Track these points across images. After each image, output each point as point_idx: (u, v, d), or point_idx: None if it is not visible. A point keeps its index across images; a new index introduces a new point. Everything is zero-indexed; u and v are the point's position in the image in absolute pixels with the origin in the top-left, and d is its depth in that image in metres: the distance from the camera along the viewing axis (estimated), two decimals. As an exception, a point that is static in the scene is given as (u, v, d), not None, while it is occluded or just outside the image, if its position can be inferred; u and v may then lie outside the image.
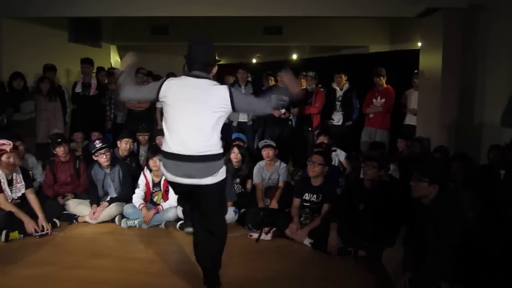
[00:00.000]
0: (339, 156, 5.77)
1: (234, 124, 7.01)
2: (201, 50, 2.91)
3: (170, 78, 2.95)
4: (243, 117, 7.00)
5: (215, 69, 2.99)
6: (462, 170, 4.21)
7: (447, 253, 2.81)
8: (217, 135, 2.88)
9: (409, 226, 3.88)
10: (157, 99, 2.90)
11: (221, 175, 2.90)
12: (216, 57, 3.01)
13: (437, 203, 2.97)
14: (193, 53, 2.88)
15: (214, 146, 2.85)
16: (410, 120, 6.58)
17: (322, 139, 5.74)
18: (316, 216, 4.42)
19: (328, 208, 4.39)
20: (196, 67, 2.88)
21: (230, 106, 2.85)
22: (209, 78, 2.89)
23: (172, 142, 2.84)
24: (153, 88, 2.91)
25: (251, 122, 7.03)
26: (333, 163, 5.40)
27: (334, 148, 5.80)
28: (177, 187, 3.02)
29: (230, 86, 2.93)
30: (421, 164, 3.22)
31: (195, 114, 2.80)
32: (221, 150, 2.91)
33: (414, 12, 5.97)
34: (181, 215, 4.76)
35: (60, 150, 5.16)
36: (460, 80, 5.61)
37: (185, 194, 3.09)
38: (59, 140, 5.22)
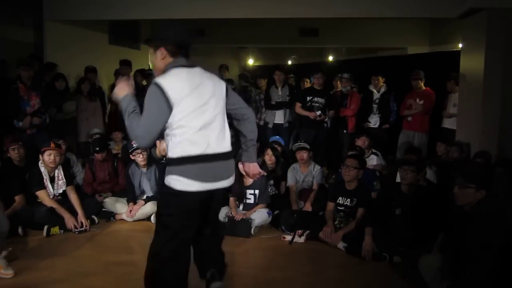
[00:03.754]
0: (371, 160, 5.66)
1: (270, 126, 7.01)
2: (182, 31, 2.45)
3: (161, 80, 2.35)
4: (279, 119, 6.99)
5: None
6: (506, 177, 4.05)
7: (489, 261, 2.71)
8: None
9: (447, 232, 3.78)
10: (171, 109, 2.34)
11: None
12: None
13: (480, 209, 2.86)
14: (176, 33, 2.43)
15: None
16: (448, 123, 6.39)
17: (363, 140, 5.68)
18: (351, 220, 4.36)
19: (363, 212, 4.32)
20: (185, 52, 2.46)
21: (224, 98, 2.56)
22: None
23: (198, 142, 2.41)
24: (161, 106, 2.31)
25: (287, 124, 7.01)
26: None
27: (376, 151, 5.74)
28: (194, 204, 2.45)
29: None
30: (463, 170, 3.08)
31: (214, 108, 2.47)
32: None
33: (456, 13, 5.80)
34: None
35: (98, 156, 5.33)
36: (503, 82, 5.41)
37: (198, 212, 2.51)
38: (97, 149, 5.35)
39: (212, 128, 2.48)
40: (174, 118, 2.36)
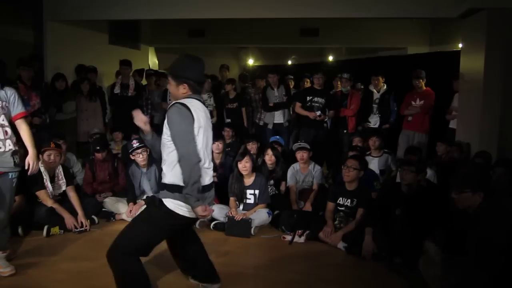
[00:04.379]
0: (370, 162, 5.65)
1: (270, 126, 7.01)
2: (201, 69, 2.77)
3: (187, 103, 2.63)
4: (278, 119, 7.00)
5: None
6: (506, 176, 4.05)
7: (491, 262, 2.71)
8: None
9: (447, 232, 3.77)
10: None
11: None
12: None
13: (481, 210, 2.86)
14: (197, 73, 2.74)
15: None
16: (453, 123, 6.37)
17: (373, 140, 5.68)
18: (351, 220, 4.37)
19: (363, 212, 4.32)
20: (201, 89, 2.80)
21: None
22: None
23: (206, 173, 2.74)
24: (190, 123, 2.59)
25: (287, 124, 7.01)
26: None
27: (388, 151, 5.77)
28: (188, 224, 2.87)
29: None
30: (458, 175, 3.09)
31: (210, 140, 2.81)
32: None
33: (455, 13, 5.80)
34: (214, 214, 4.81)
35: (98, 155, 5.33)
36: (503, 82, 5.40)
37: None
38: (98, 148, 5.36)
39: (207, 161, 2.77)
40: None
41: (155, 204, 2.69)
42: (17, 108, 3.45)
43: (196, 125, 2.60)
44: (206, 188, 2.75)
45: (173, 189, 2.62)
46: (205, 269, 3.13)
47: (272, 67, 10.16)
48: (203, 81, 2.78)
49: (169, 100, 6.93)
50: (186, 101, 2.63)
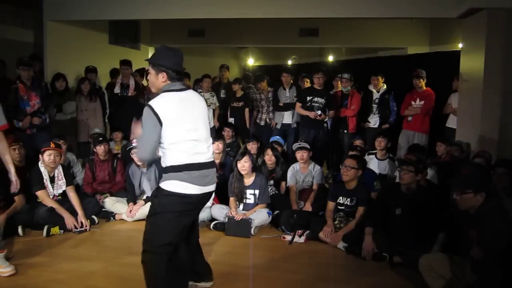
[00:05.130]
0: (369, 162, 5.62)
1: (278, 126, 7.03)
2: (178, 59, 2.87)
3: (156, 100, 2.76)
4: (287, 119, 7.02)
5: None
6: (506, 177, 4.04)
7: (492, 262, 2.71)
8: None
9: (448, 232, 3.78)
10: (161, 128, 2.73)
11: None
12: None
13: (482, 211, 2.85)
14: (174, 62, 2.84)
15: None
16: (451, 123, 6.38)
17: (379, 141, 5.59)
18: (351, 219, 4.37)
19: (363, 212, 4.32)
20: (180, 78, 2.89)
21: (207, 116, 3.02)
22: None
23: (195, 152, 2.81)
24: (154, 122, 2.71)
25: (295, 125, 7.01)
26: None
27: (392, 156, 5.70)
28: (193, 205, 2.87)
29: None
30: (459, 176, 3.07)
31: (203, 125, 2.91)
32: None
33: (456, 13, 5.80)
34: (214, 214, 4.81)
35: (100, 149, 5.34)
36: (503, 82, 5.40)
37: (192, 213, 2.97)
38: (101, 139, 5.39)
39: (203, 141, 2.87)
40: (168, 136, 2.74)
41: (154, 195, 2.84)
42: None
43: (167, 120, 2.70)
44: (203, 165, 2.83)
45: (167, 170, 2.78)
46: (201, 268, 3.20)
47: (272, 68, 10.16)
48: (181, 71, 2.88)
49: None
50: (158, 98, 2.78)
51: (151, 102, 2.77)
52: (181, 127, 2.76)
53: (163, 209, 2.76)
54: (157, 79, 2.84)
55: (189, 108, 2.82)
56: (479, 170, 3.16)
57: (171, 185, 2.75)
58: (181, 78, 2.90)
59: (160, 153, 2.86)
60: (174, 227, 2.78)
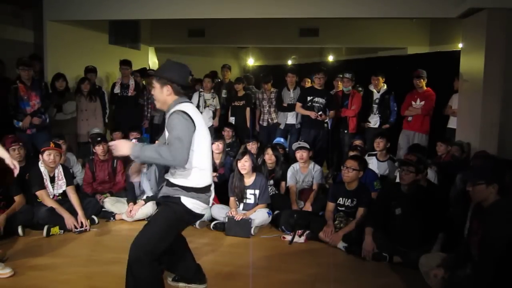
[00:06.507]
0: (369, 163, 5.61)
1: (281, 126, 7.03)
2: (185, 73, 2.85)
3: (184, 107, 2.74)
4: (291, 120, 7.01)
5: None
6: (507, 177, 4.03)
7: (488, 259, 2.70)
8: None
9: (447, 232, 3.78)
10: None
11: None
12: None
13: (495, 209, 2.82)
14: (180, 76, 2.80)
15: None
16: (453, 123, 6.37)
17: (378, 142, 5.60)
18: (351, 219, 4.37)
19: (364, 212, 4.32)
20: (186, 92, 2.88)
21: None
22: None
23: (208, 174, 2.86)
24: (190, 128, 2.67)
25: (299, 125, 7.00)
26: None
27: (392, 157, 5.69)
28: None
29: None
30: (472, 168, 3.07)
31: (209, 143, 2.91)
32: None
33: (456, 13, 5.79)
34: (214, 214, 4.81)
35: (99, 149, 5.34)
36: (504, 82, 5.40)
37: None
38: (99, 139, 5.39)
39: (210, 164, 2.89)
40: (198, 146, 2.71)
41: (174, 202, 2.76)
42: None
43: (198, 131, 2.70)
44: (206, 189, 2.83)
45: (189, 190, 2.75)
46: (192, 269, 3.20)
47: (272, 68, 10.15)
48: (187, 86, 2.83)
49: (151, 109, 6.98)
50: (183, 107, 2.71)
51: (178, 107, 2.70)
52: (205, 146, 2.79)
53: (174, 219, 2.78)
54: (161, 92, 2.77)
55: (204, 127, 2.81)
56: (491, 161, 3.12)
57: (191, 203, 2.76)
58: (188, 94, 2.88)
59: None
60: (168, 239, 2.80)
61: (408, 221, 3.89)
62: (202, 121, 2.82)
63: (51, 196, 4.67)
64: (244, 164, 4.75)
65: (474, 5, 5.41)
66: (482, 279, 2.72)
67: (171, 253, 3.05)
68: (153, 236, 2.73)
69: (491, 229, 2.75)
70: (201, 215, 2.89)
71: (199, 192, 2.78)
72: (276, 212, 4.85)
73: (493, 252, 2.71)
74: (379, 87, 6.79)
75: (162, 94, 2.77)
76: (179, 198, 2.74)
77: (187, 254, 3.20)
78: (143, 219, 4.93)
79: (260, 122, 7.30)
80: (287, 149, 6.18)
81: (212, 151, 4.68)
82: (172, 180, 2.78)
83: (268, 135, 7.08)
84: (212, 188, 2.92)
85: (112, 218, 5.01)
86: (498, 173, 2.94)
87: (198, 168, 2.76)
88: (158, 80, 2.78)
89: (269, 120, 7.17)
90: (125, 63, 7.09)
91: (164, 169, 2.97)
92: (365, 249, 3.96)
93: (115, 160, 5.48)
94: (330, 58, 11.83)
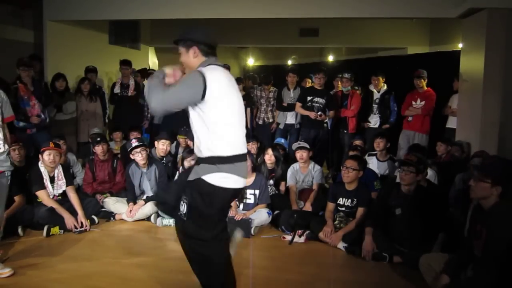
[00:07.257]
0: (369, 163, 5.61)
1: (281, 126, 7.03)
2: (209, 32, 2.65)
3: (208, 69, 2.48)
4: (290, 120, 7.01)
5: None
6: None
7: (490, 261, 2.70)
8: None
9: (447, 232, 3.78)
10: (200, 100, 2.44)
11: None
12: None
13: (496, 211, 2.80)
14: (206, 34, 2.60)
15: None
16: (452, 123, 6.38)
17: (377, 142, 5.59)
18: (351, 220, 4.37)
19: (364, 212, 4.32)
20: (214, 52, 2.63)
21: None
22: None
23: (237, 142, 2.57)
24: (196, 90, 2.41)
25: (298, 125, 7.01)
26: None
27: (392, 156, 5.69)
28: (228, 198, 2.69)
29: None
30: (482, 163, 3.02)
31: (242, 109, 2.65)
32: None
33: (456, 13, 5.80)
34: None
35: (99, 149, 5.34)
36: (503, 82, 5.40)
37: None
38: (98, 139, 5.39)
39: (243, 129, 2.65)
40: (220, 114, 2.47)
41: (193, 187, 2.53)
42: (8, 111, 3.67)
43: (209, 93, 2.41)
44: (235, 158, 2.55)
45: (214, 161, 2.50)
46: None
47: (272, 68, 10.14)
48: (215, 44, 2.60)
49: None
50: (207, 69, 2.48)
51: (202, 70, 2.46)
52: (234, 107, 2.53)
53: (204, 211, 2.57)
54: (188, 56, 2.59)
55: (235, 91, 2.59)
56: (503, 163, 3.09)
57: (217, 177, 2.50)
58: (215, 54, 2.62)
59: (196, 140, 2.58)
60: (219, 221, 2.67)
61: (408, 221, 3.89)
62: (231, 88, 2.55)
63: (51, 196, 4.66)
64: (244, 164, 4.73)
65: (474, 5, 5.41)
66: (484, 281, 2.71)
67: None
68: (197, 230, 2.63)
69: (495, 231, 2.74)
70: (237, 190, 2.61)
71: (226, 162, 2.51)
72: (276, 212, 4.85)
73: (496, 254, 2.71)
74: (379, 87, 6.79)
75: (189, 58, 2.59)
76: (199, 179, 2.52)
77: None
78: (143, 219, 4.94)
79: (256, 120, 7.31)
80: (287, 149, 6.18)
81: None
82: (199, 155, 2.58)
83: (265, 134, 7.07)
84: (247, 157, 2.65)
85: (112, 218, 5.01)
86: (507, 176, 2.89)
87: (222, 136, 2.50)
88: (184, 44, 2.60)
89: (265, 119, 7.19)
90: (125, 63, 7.09)
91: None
92: (365, 249, 3.96)
93: (115, 160, 5.49)
94: (330, 58, 11.84)
